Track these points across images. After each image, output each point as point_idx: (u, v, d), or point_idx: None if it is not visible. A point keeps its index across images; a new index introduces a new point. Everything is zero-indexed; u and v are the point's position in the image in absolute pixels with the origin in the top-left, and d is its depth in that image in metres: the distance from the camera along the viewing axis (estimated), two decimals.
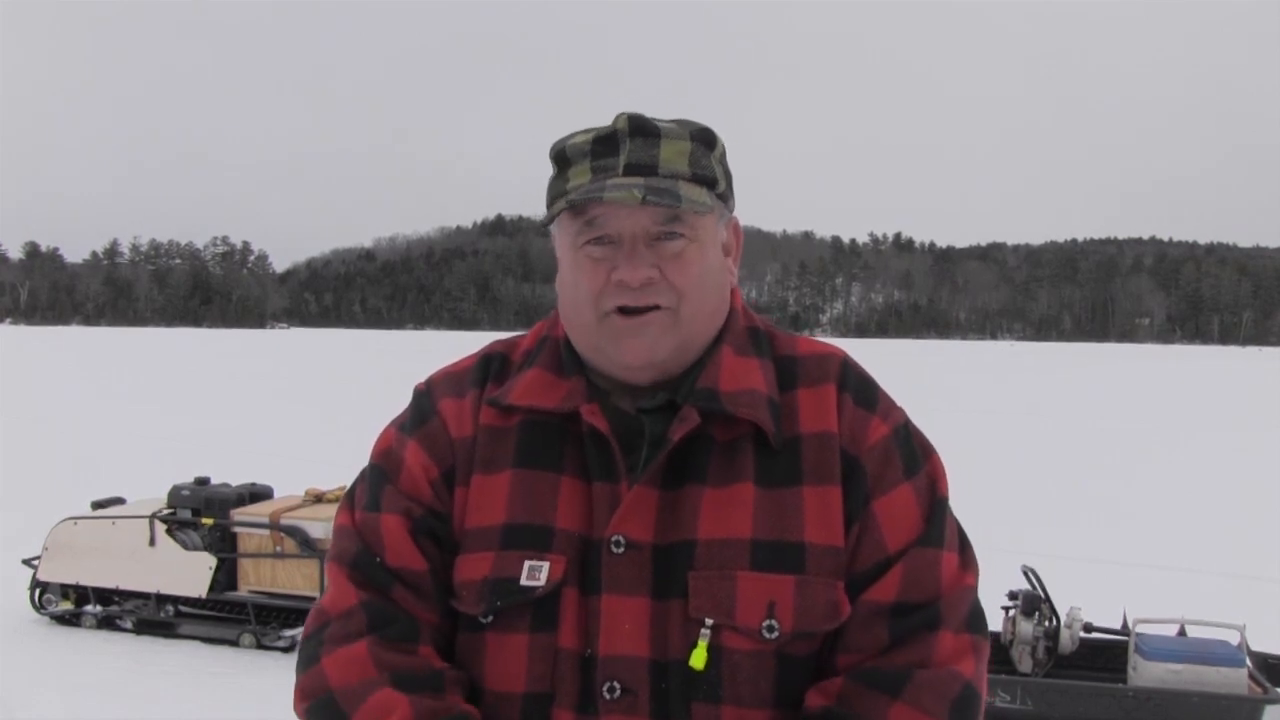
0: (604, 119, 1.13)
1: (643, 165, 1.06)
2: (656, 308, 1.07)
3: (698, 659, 1.01)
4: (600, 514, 1.05)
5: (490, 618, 1.05)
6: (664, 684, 1.01)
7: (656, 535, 1.04)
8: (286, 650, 5.88)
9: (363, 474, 1.20)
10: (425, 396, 1.18)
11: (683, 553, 1.04)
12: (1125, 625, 5.06)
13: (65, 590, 6.26)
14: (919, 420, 1.18)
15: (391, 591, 1.10)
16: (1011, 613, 4.96)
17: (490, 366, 1.17)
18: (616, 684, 1.01)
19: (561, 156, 1.11)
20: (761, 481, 1.06)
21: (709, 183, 1.09)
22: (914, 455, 1.13)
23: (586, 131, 1.11)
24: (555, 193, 1.11)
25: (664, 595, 1.03)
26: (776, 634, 1.02)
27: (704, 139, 1.10)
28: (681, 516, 1.05)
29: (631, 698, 1.01)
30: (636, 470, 1.07)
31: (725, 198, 1.13)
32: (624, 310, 1.07)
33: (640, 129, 1.07)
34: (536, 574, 1.04)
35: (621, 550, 1.04)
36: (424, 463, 1.13)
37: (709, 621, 1.01)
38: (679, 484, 1.06)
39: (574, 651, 1.03)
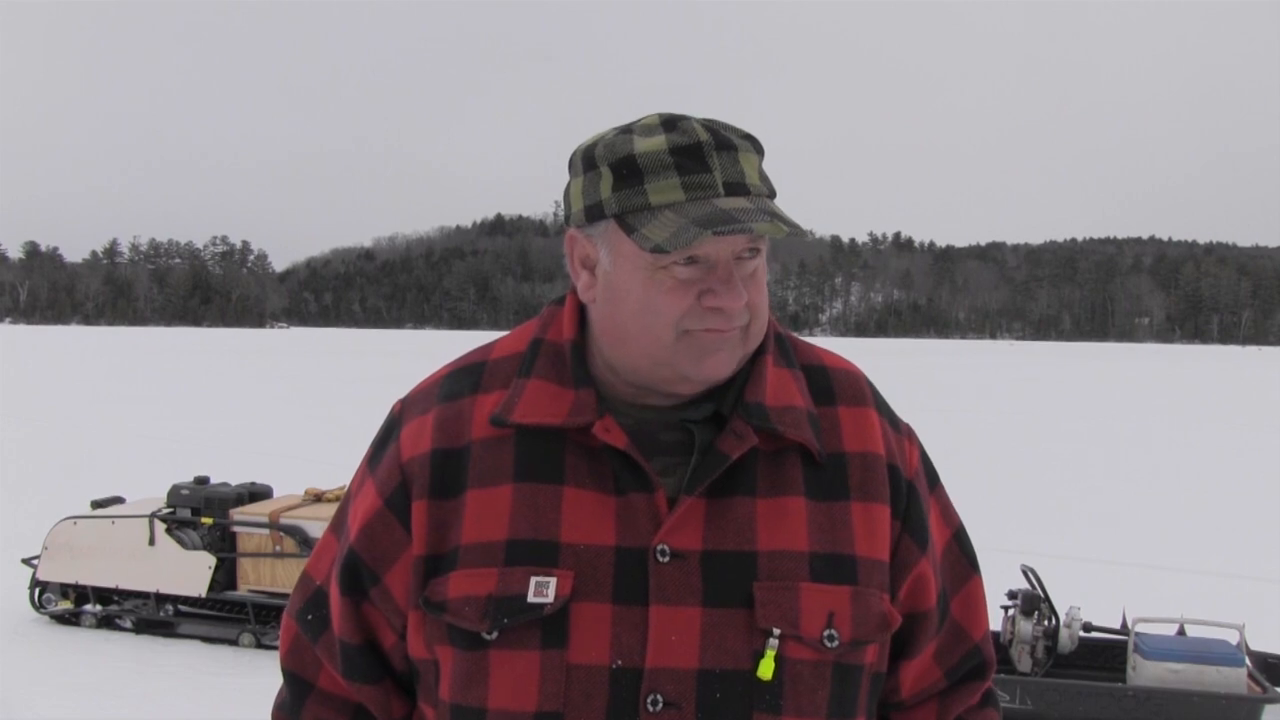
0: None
1: (737, 184, 1.02)
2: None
3: (766, 669, 1.01)
4: (633, 524, 1.03)
5: (495, 634, 1.02)
6: (716, 694, 1.00)
7: (705, 544, 1.03)
8: None
9: (341, 505, 1.20)
10: (395, 421, 1.16)
11: (743, 562, 1.03)
12: (1125, 625, 5.06)
13: (65, 590, 6.25)
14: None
15: (311, 691, 1.19)
16: (1011, 612, 4.96)
17: (463, 380, 1.14)
18: (659, 696, 0.99)
19: (631, 165, 1.02)
20: (811, 495, 1.07)
21: (773, 194, 1.07)
22: (933, 467, 1.21)
23: (646, 135, 1.03)
24: (634, 205, 1.02)
25: (719, 604, 1.02)
26: (836, 643, 1.03)
27: (760, 149, 1.07)
28: (735, 526, 1.04)
29: (675, 710, 1.00)
30: (672, 478, 1.06)
31: None
32: (712, 331, 1.05)
33: (722, 141, 1.02)
34: (544, 590, 1.01)
35: (667, 560, 1.02)
36: (371, 507, 1.12)
37: (776, 631, 1.01)
38: (726, 493, 1.05)
39: (597, 666, 1.01)
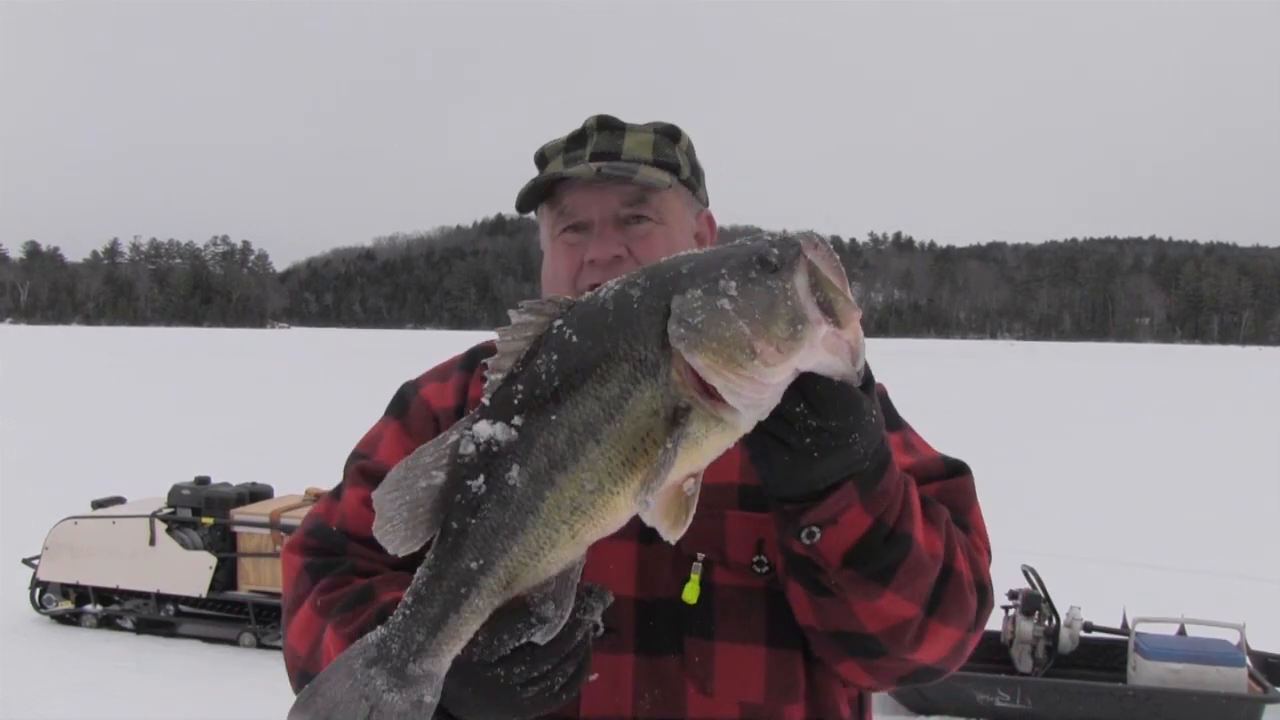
0: None
1: (606, 153, 1.18)
2: None
3: (690, 593, 1.06)
4: None
5: None
6: (650, 621, 1.06)
7: None
8: None
9: (346, 466, 1.28)
10: (410, 386, 1.27)
11: None
12: (1125, 625, 5.06)
13: (65, 589, 6.26)
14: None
15: (345, 549, 1.19)
16: (1011, 612, 4.96)
17: (477, 356, 1.26)
18: (600, 623, 1.04)
19: (540, 156, 1.25)
20: None
21: (671, 168, 1.19)
22: (893, 412, 1.21)
23: (565, 134, 1.24)
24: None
25: (652, 538, 1.02)
26: (766, 569, 1.07)
27: (668, 133, 1.23)
28: None
29: (615, 636, 1.06)
30: None
31: (692, 187, 1.23)
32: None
33: (607, 125, 1.21)
34: None
35: None
36: (400, 437, 1.21)
37: (700, 556, 1.06)
38: None
39: None
